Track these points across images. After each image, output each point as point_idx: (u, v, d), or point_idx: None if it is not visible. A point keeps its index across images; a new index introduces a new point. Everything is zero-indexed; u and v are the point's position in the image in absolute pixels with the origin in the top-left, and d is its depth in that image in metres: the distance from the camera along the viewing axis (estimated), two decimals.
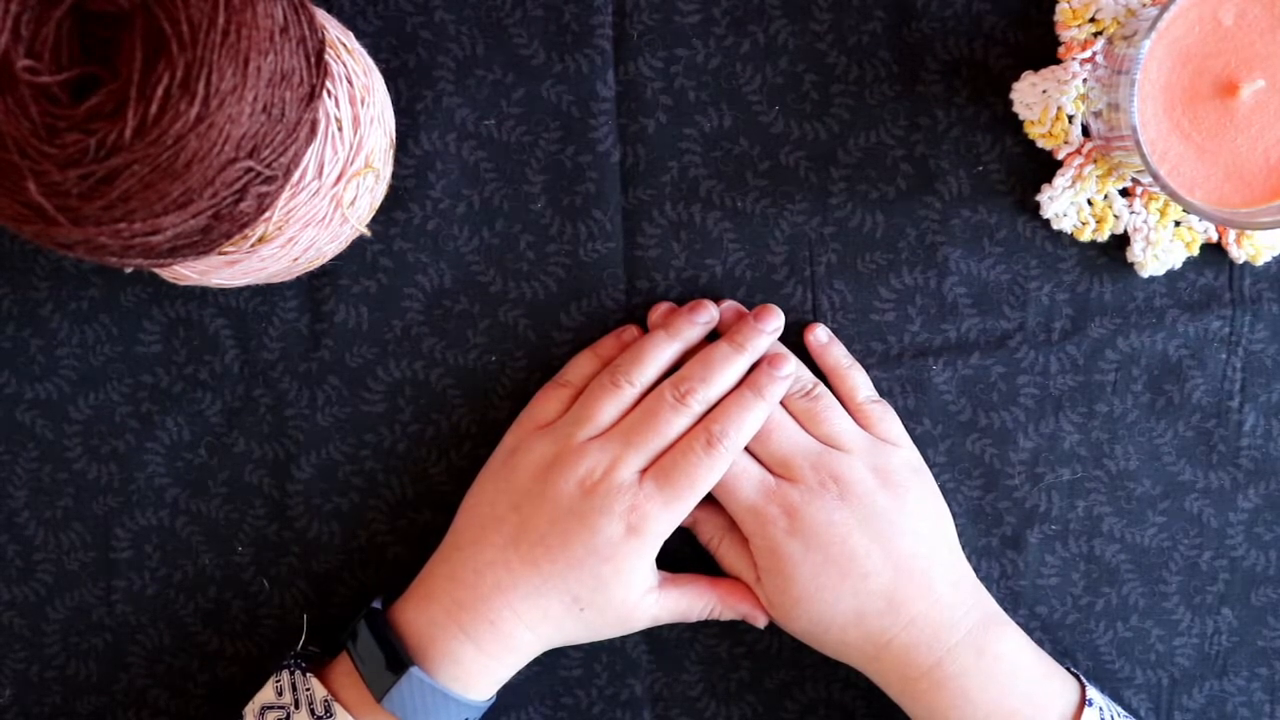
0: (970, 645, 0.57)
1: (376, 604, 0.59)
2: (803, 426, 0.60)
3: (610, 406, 0.59)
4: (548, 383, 0.61)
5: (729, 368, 0.59)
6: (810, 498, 0.58)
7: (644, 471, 0.58)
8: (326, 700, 0.57)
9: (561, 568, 0.57)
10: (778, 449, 0.59)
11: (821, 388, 0.61)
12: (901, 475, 0.59)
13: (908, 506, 0.58)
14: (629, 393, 0.59)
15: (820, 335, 0.62)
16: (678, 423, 0.58)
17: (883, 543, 0.57)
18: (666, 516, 0.57)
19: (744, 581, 0.61)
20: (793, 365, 0.60)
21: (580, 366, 0.62)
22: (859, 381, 0.61)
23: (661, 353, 0.60)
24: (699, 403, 0.59)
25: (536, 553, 0.57)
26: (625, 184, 0.62)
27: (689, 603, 0.60)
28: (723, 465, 0.58)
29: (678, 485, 0.57)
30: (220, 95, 0.43)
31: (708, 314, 0.61)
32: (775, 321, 0.61)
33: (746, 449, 0.60)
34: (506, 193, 0.62)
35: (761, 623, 0.61)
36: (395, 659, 0.56)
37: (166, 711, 0.64)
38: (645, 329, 0.62)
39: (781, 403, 0.60)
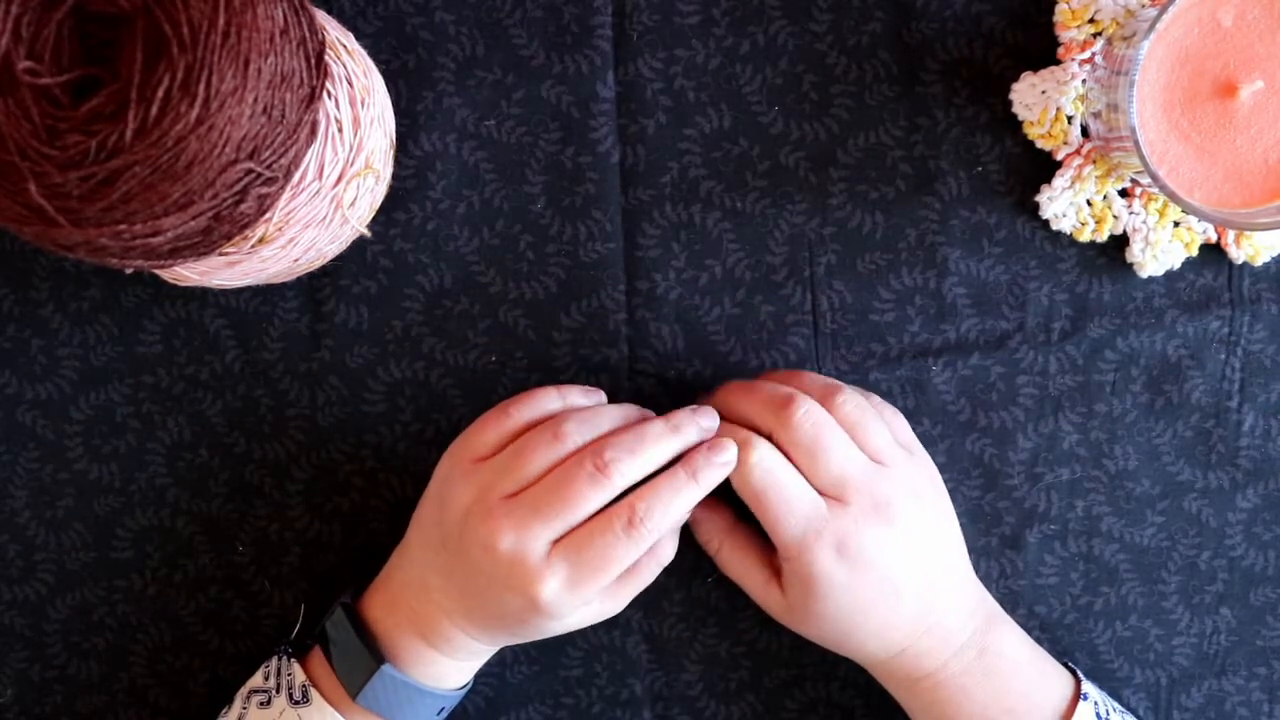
0: (973, 645, 0.57)
1: (346, 598, 0.59)
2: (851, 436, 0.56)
3: (540, 460, 0.54)
4: (494, 408, 0.57)
5: (660, 446, 0.54)
6: (863, 524, 0.55)
7: (557, 542, 0.53)
8: (304, 686, 0.57)
9: (489, 619, 0.56)
10: (836, 468, 0.55)
11: (870, 399, 0.58)
12: (932, 492, 0.58)
13: (935, 523, 0.57)
14: (567, 451, 0.54)
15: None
16: (594, 496, 0.53)
17: (919, 563, 0.56)
18: (570, 599, 0.53)
19: (747, 587, 0.59)
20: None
21: (535, 403, 0.57)
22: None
23: (614, 424, 0.55)
24: (620, 476, 0.53)
25: (465, 599, 0.56)
26: (625, 184, 0.62)
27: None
28: (640, 549, 0.53)
29: (587, 566, 0.53)
30: (220, 97, 0.43)
31: (708, 420, 0.56)
32: (712, 420, 0.56)
33: (796, 466, 0.55)
34: (506, 193, 0.62)
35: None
36: (367, 656, 0.56)
37: (167, 711, 0.64)
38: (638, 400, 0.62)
39: (830, 411, 0.56)
